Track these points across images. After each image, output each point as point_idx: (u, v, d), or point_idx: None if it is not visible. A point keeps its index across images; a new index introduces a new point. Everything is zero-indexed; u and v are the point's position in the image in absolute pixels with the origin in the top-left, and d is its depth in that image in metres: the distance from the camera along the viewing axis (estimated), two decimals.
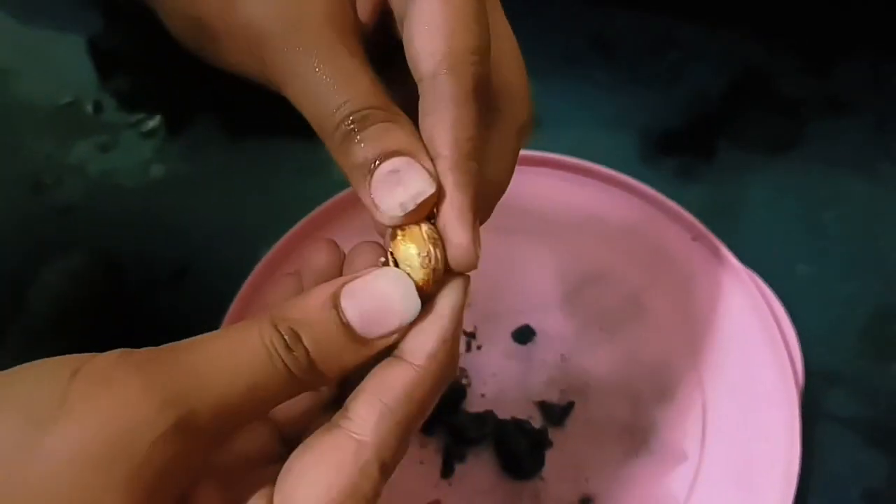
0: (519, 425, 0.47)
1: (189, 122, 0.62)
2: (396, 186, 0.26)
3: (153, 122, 0.62)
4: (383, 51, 0.31)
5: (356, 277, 0.26)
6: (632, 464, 0.47)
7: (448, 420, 0.48)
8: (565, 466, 0.47)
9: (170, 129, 0.61)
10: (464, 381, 0.50)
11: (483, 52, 0.27)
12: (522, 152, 0.54)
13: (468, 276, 0.28)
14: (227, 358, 0.23)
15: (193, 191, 0.59)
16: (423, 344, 0.26)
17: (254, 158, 0.60)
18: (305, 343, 0.24)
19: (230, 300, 0.50)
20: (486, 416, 0.48)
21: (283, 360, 0.24)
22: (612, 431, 0.48)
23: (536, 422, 0.48)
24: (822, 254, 0.55)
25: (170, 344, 0.24)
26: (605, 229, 0.53)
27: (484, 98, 0.28)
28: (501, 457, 0.47)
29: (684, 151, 0.60)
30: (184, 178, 0.60)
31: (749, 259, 0.52)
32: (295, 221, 0.53)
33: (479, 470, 0.47)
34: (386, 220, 0.26)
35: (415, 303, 0.26)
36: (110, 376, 0.22)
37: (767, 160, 0.60)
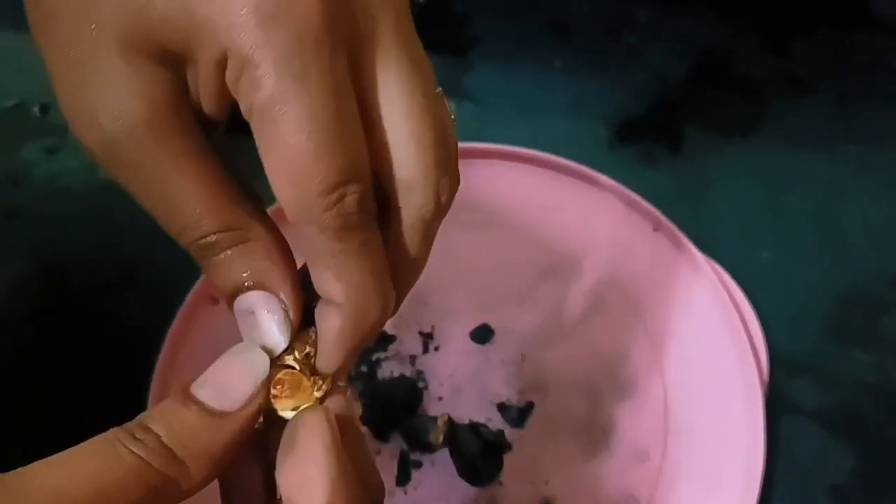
0: (475, 429, 0.46)
1: None
2: (253, 330, 0.25)
3: None
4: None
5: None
6: (592, 464, 0.46)
7: (404, 424, 0.47)
8: (524, 469, 0.46)
9: None
10: (420, 385, 0.49)
11: (346, 181, 0.23)
12: (475, 144, 0.54)
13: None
14: (69, 459, 0.21)
15: None
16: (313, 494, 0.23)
17: None
18: (155, 430, 0.22)
19: (178, 304, 0.49)
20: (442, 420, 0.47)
21: (128, 449, 0.21)
22: (572, 430, 0.47)
23: (495, 424, 0.47)
24: (786, 239, 0.54)
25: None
26: (563, 222, 0.52)
27: (379, 201, 0.25)
28: (457, 462, 0.46)
29: (646, 137, 0.58)
30: None
31: (712, 245, 0.51)
32: None
33: (435, 476, 0.46)
34: None
35: (264, 360, 0.25)
36: None
37: (729, 143, 0.58)
